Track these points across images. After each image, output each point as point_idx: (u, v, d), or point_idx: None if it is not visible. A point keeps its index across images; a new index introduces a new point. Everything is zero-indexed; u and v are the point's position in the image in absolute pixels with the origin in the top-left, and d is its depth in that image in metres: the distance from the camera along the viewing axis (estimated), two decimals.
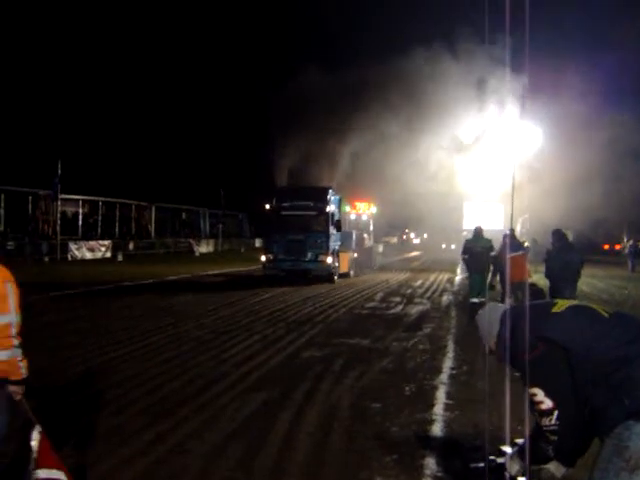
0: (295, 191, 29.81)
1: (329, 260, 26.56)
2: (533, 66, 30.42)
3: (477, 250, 16.89)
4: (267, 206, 27.56)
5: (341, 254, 28.70)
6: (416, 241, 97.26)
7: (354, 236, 32.92)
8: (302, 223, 26.91)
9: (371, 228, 39.32)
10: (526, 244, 25.67)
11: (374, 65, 40.37)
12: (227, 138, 63.91)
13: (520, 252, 16.01)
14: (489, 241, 17.28)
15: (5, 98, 48.56)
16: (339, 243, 28.53)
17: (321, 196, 27.63)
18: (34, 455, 4.46)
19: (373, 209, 40.38)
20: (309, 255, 26.40)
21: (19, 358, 4.54)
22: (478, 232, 17.39)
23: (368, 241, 37.42)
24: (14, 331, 4.52)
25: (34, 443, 4.46)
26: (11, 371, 4.52)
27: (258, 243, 61.01)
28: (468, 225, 52.79)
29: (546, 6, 32.80)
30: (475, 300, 16.54)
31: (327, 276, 26.76)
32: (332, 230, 27.16)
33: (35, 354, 5.27)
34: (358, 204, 39.33)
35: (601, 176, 36.20)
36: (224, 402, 8.06)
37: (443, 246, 73.70)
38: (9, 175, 39.91)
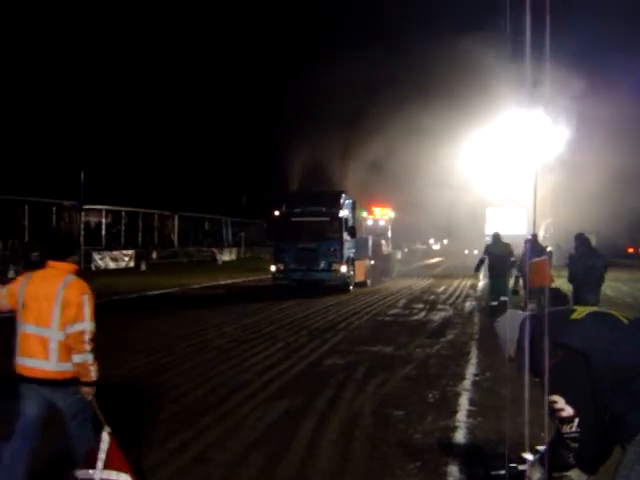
0: (306, 196, 28.38)
1: (343, 269, 25.12)
2: (563, 66, 30.37)
3: (496, 254, 17.52)
4: (276, 212, 26.23)
5: (356, 262, 27.09)
6: (436, 247, 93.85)
7: (370, 242, 31.12)
8: (314, 230, 25.42)
9: (389, 234, 37.81)
10: (549, 249, 25.58)
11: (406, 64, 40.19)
12: (248, 145, 64.11)
13: (542, 257, 15.90)
14: (508, 245, 17.93)
15: (28, 109, 49.06)
16: (354, 250, 26.82)
17: (334, 200, 26.13)
18: (102, 456, 4.87)
19: (391, 214, 38.84)
20: (322, 264, 25.02)
21: (90, 362, 5.05)
22: (497, 237, 18.10)
23: (386, 248, 35.59)
24: (87, 338, 5.05)
25: (103, 444, 4.90)
26: (83, 373, 5.04)
27: None
28: (490, 230, 52.69)
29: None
30: (494, 303, 17.24)
31: (342, 286, 25.37)
32: (346, 237, 25.57)
33: None
34: (375, 209, 37.83)
35: (625, 179, 35.86)
36: (246, 411, 8.08)
37: (466, 252, 73.07)
38: (33, 186, 40.28)
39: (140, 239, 51.19)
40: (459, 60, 39.70)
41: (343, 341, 13.62)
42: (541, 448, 4.11)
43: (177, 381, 9.68)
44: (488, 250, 18.06)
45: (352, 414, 7.94)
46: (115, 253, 43.01)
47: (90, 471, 4.87)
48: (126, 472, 4.89)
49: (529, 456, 4.16)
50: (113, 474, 4.85)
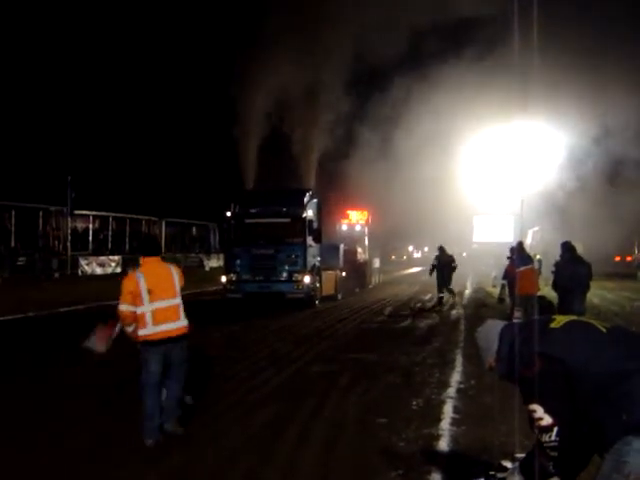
0: (263, 194, 24.86)
1: (307, 279, 21.59)
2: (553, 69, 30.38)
3: (442, 262, 23.72)
4: (228, 213, 22.58)
5: (324, 272, 23.78)
6: (417, 255, 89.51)
7: (341, 250, 26.91)
8: (272, 233, 21.82)
9: (366, 240, 34.33)
10: (538, 257, 25.72)
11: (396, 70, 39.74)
12: (236, 152, 63.98)
13: (529, 265, 15.97)
14: (451, 256, 24.20)
15: (15, 114, 48.87)
16: (319, 258, 23.22)
17: (296, 199, 22.64)
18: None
19: (368, 218, 35.48)
20: (282, 274, 21.55)
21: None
22: (442, 249, 24.12)
23: (362, 255, 32.04)
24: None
25: None
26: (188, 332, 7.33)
27: None
28: (478, 238, 52.80)
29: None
30: (441, 295, 23.34)
31: (305, 300, 21.77)
32: (310, 241, 22.04)
33: None
34: (351, 212, 35.07)
35: (613, 187, 36.06)
36: (230, 419, 8.07)
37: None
38: (19, 191, 40.10)
39: (127, 245, 51.08)
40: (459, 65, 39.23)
41: (328, 348, 13.62)
42: (521, 456, 4.13)
43: None
44: (438, 259, 23.84)
45: (335, 421, 7.93)
46: (102, 258, 42.87)
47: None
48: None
49: (509, 464, 4.18)
50: None
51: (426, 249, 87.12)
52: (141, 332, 7.09)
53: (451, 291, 24.08)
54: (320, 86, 36.41)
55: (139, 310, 7.07)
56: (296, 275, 21.49)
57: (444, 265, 23.61)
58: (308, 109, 36.01)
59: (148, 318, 7.05)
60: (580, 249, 16.34)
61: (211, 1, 51.16)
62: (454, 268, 23.94)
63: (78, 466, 6.41)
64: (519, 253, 15.92)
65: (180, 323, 7.24)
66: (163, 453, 6.76)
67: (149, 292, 7.06)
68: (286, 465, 6.43)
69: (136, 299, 7.06)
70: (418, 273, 48.05)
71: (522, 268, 15.40)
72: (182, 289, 7.36)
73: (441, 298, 23.17)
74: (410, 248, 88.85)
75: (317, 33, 35.12)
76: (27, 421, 7.95)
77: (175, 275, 7.34)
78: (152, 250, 7.57)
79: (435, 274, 23.76)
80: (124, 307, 7.10)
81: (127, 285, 7.12)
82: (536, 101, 29.99)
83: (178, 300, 7.27)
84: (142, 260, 7.42)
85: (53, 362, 11.93)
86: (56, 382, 10.21)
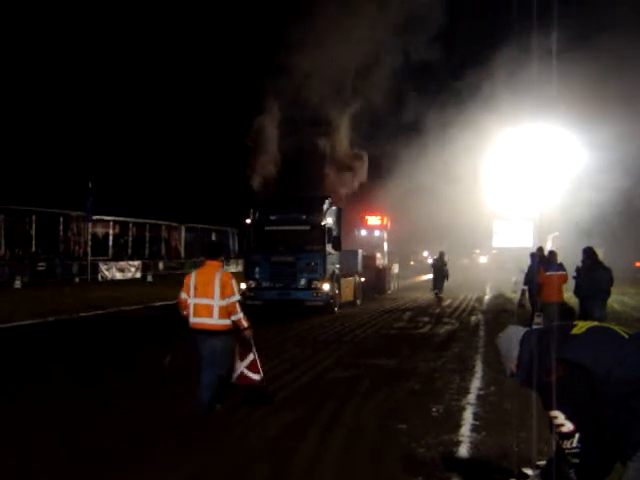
0: (283, 201, 24.42)
1: (326, 287, 21.61)
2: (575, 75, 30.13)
3: (437, 266, 27.09)
4: (247, 220, 22.62)
5: (343, 279, 23.85)
6: (430, 261, 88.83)
7: (360, 256, 27.09)
8: (291, 240, 21.98)
9: (385, 246, 34.71)
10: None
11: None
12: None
13: (560, 272, 15.63)
14: (443, 261, 27.09)
15: (36, 120, 49.30)
16: (339, 265, 23.33)
17: (315, 207, 22.56)
18: (246, 363, 8.80)
19: (387, 224, 35.60)
20: (301, 281, 21.49)
21: (242, 317, 8.41)
22: (441, 254, 27.59)
23: (381, 261, 32.11)
24: (238, 304, 8.40)
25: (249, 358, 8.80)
26: (240, 325, 8.41)
27: None
28: (498, 243, 52.51)
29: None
30: (435, 291, 26.70)
31: (325, 307, 21.88)
32: (330, 249, 22.07)
33: None
34: (369, 218, 35.06)
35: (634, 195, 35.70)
36: (251, 422, 8.08)
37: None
38: (40, 196, 40.43)
39: (147, 250, 51.32)
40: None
41: (348, 354, 13.61)
42: (542, 463, 4.10)
43: (178, 391, 9.67)
44: (433, 263, 28.08)
45: (356, 427, 7.91)
46: (122, 264, 43.10)
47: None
48: (259, 373, 8.72)
49: (529, 471, 4.15)
50: (250, 372, 8.75)
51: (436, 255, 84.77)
52: (189, 319, 8.45)
53: (437, 293, 26.66)
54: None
55: (188, 300, 8.43)
56: (315, 283, 21.51)
57: (437, 268, 26.99)
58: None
59: (191, 309, 8.40)
60: (601, 255, 16.18)
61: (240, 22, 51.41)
62: (445, 273, 26.78)
63: (96, 466, 6.43)
64: (549, 259, 15.76)
65: (212, 321, 8.27)
66: (183, 456, 6.77)
67: (195, 288, 8.36)
68: (305, 470, 6.42)
69: (188, 291, 8.43)
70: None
71: (551, 273, 15.14)
72: (226, 294, 8.24)
73: (436, 294, 26.62)
74: (425, 253, 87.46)
75: (337, 37, 35.17)
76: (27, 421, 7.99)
77: (217, 280, 8.29)
78: (210, 254, 8.78)
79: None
80: (182, 294, 8.52)
81: (186, 277, 8.65)
82: (559, 106, 29.84)
83: (215, 301, 8.25)
84: (205, 261, 8.73)
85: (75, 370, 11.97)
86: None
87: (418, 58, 38.14)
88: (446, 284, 26.96)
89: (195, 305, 8.36)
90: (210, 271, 8.47)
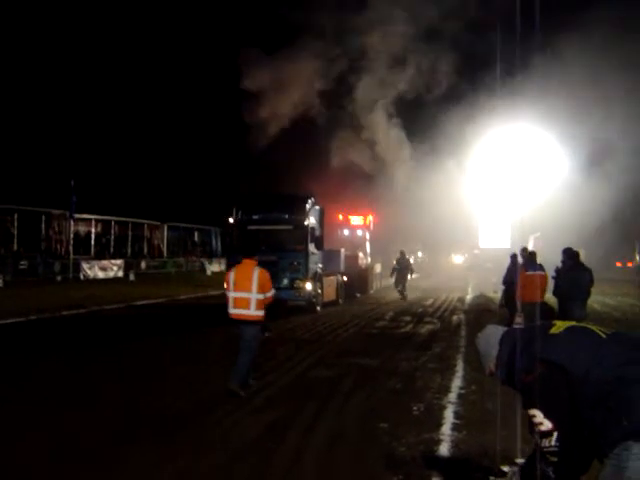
0: (265, 199, 24.34)
1: (309, 286, 21.73)
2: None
3: (402, 265, 29.37)
4: (230, 219, 22.77)
5: (325, 278, 23.84)
6: (410, 261, 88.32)
7: (342, 256, 27.06)
8: (274, 240, 21.79)
9: (368, 245, 34.41)
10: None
11: None
12: (239, 155, 64.01)
13: (540, 272, 15.64)
14: (408, 260, 30.32)
15: (19, 117, 48.96)
16: (321, 265, 23.47)
17: (298, 206, 22.57)
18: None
19: (370, 223, 35.00)
20: (284, 281, 21.30)
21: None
22: (402, 253, 30.33)
23: (363, 260, 31.98)
24: (272, 297, 10.07)
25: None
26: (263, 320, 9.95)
27: None
28: (483, 244, 52.68)
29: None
30: (399, 288, 29.00)
31: (307, 306, 22.14)
32: (312, 249, 22.14)
33: None
34: (352, 217, 34.47)
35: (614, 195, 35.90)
36: (232, 422, 8.10)
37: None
38: (22, 194, 40.15)
39: (129, 249, 51.11)
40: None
41: (329, 353, 13.64)
42: (520, 461, 4.15)
43: (160, 392, 9.68)
44: (398, 262, 29.56)
45: (337, 426, 7.95)
46: (104, 262, 42.82)
47: None
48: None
49: (508, 469, 4.20)
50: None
51: (420, 254, 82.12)
52: (228, 310, 9.86)
53: (402, 292, 28.94)
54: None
55: (228, 294, 9.85)
56: (298, 282, 21.54)
57: (402, 267, 29.35)
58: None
59: (230, 302, 9.81)
60: (582, 255, 16.27)
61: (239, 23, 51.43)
62: (411, 271, 30.25)
63: (77, 466, 6.43)
64: (529, 259, 15.81)
65: (248, 312, 9.70)
66: (163, 456, 6.78)
67: (234, 284, 9.75)
68: (287, 469, 6.45)
69: (228, 286, 9.85)
70: (418, 279, 47.80)
71: (530, 273, 15.16)
72: (262, 289, 9.68)
73: (400, 292, 28.93)
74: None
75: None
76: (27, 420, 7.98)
77: (255, 276, 9.71)
78: (247, 253, 10.17)
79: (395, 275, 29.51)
80: (225, 290, 10.00)
81: (226, 275, 10.25)
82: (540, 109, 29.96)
83: (252, 295, 9.66)
84: (243, 260, 10.07)
85: (54, 366, 11.94)
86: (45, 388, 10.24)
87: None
88: (427, 284, 27.44)
89: (234, 298, 9.74)
90: (247, 269, 9.83)
